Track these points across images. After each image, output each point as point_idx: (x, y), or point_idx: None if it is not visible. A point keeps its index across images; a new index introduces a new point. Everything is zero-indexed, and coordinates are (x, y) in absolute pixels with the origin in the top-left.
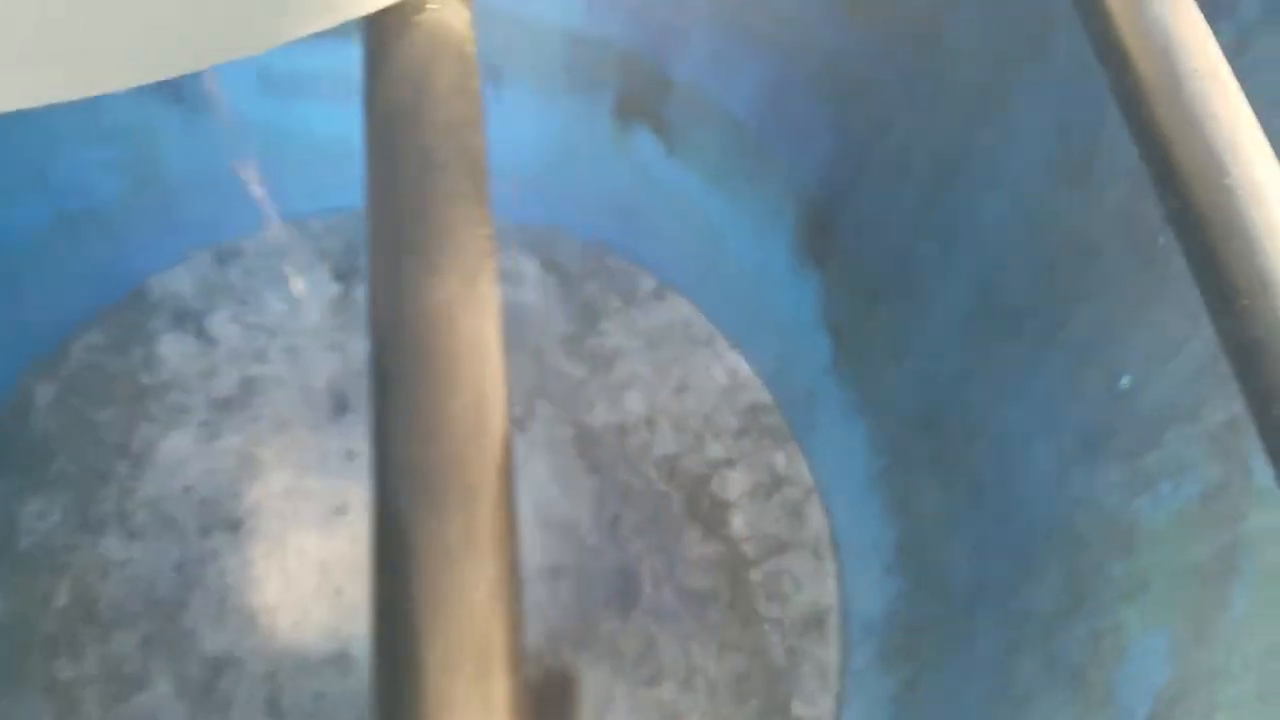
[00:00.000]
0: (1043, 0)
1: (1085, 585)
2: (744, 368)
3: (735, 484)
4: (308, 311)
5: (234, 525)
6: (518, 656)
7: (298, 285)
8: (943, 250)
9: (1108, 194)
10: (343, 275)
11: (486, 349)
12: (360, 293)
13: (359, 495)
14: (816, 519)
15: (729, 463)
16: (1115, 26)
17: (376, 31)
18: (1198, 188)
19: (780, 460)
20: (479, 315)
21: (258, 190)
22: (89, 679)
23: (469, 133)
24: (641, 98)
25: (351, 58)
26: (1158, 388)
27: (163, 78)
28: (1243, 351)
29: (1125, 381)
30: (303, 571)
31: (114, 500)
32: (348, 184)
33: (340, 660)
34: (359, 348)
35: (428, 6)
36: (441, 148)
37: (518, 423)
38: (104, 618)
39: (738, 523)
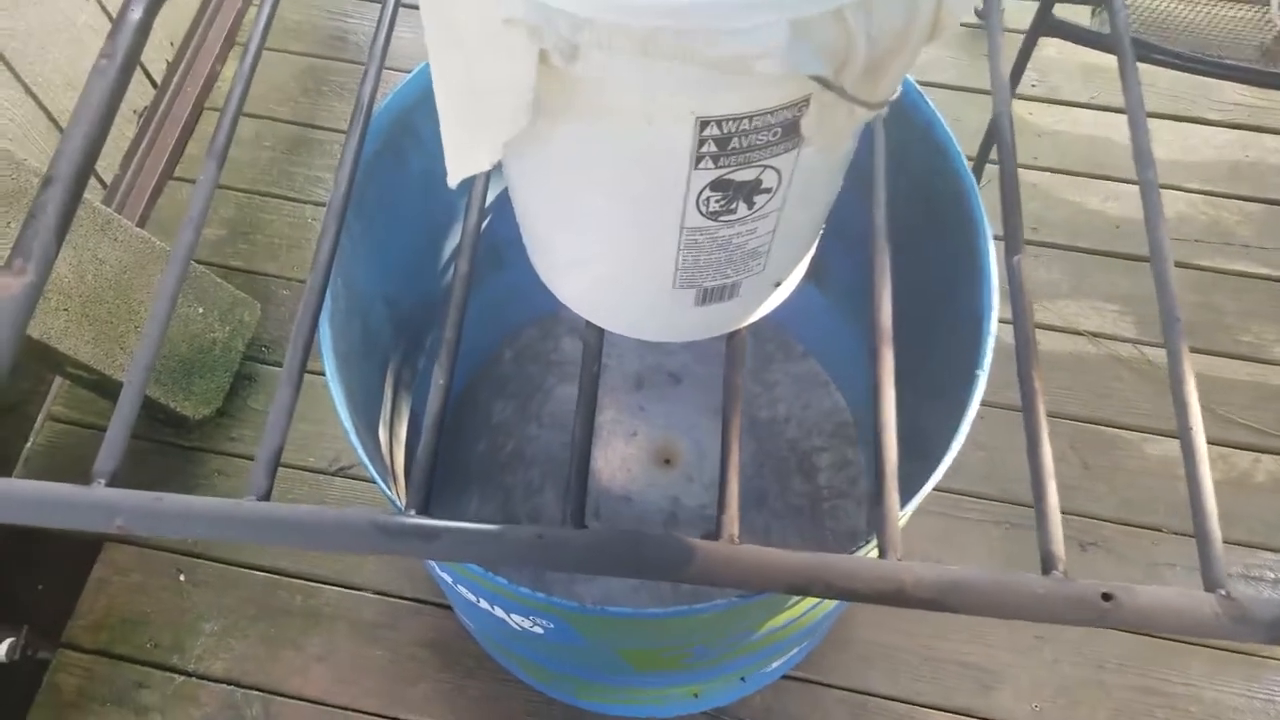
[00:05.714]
0: None
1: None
2: (840, 400)
3: (823, 459)
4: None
5: None
6: None
7: None
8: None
9: None
10: None
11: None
12: None
13: (643, 428)
14: (862, 485)
15: (822, 449)
16: None
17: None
18: None
19: (849, 452)
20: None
21: None
22: (518, 484)
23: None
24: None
25: None
26: None
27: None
28: None
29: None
30: (614, 458)
31: (534, 408)
32: None
33: (626, 498)
34: (652, 356)
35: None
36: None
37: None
38: (526, 459)
39: (821, 478)
